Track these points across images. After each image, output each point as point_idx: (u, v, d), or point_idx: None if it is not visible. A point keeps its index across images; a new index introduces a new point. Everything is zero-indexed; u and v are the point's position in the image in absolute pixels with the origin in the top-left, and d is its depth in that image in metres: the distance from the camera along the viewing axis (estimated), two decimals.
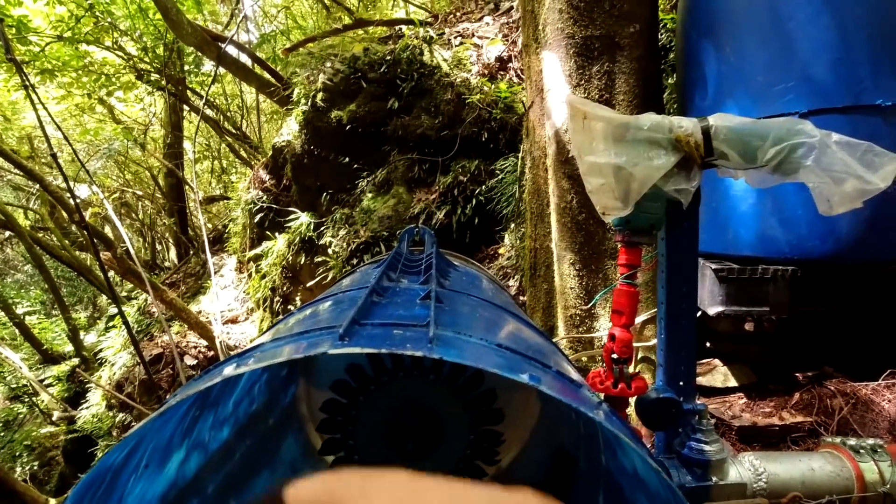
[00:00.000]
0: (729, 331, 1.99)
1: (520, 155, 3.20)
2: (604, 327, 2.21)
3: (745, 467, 1.09)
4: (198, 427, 0.84)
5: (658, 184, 1.02)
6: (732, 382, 2.07)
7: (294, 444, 1.19)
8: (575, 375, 0.76)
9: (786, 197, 1.67)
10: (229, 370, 0.45)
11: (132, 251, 3.40)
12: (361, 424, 1.09)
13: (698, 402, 1.16)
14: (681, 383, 1.18)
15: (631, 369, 1.21)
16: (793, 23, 1.60)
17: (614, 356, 1.10)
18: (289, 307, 4.58)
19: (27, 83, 1.94)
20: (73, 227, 9.50)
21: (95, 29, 5.43)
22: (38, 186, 9.23)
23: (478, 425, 1.08)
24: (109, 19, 5.41)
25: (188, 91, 7.00)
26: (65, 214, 9.32)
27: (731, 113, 1.14)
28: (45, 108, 2.20)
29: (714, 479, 1.06)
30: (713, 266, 1.85)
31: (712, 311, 1.89)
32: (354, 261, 3.74)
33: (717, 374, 2.10)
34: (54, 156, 1.97)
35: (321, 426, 1.10)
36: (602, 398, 0.66)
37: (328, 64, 4.24)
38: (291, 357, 0.45)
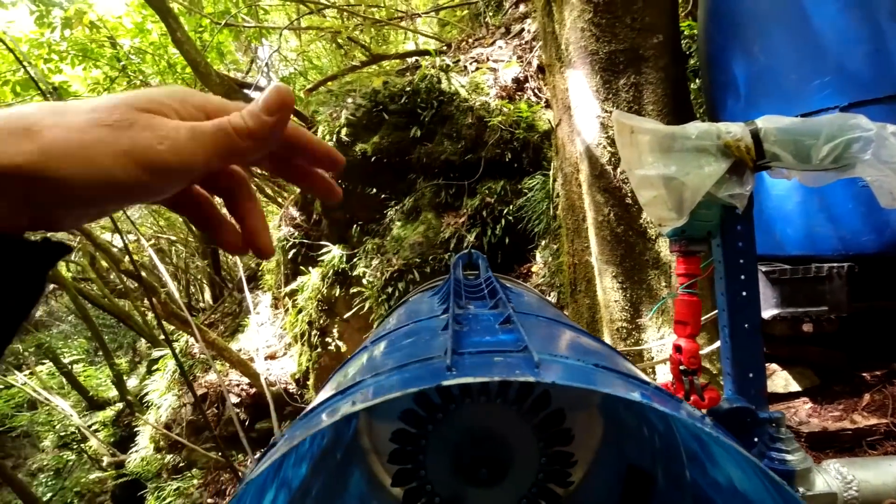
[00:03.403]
0: (786, 333, 1.93)
1: (549, 172, 3.22)
2: (652, 339, 2.17)
3: (831, 476, 1.05)
4: (283, 465, 0.86)
5: (711, 191, 1.02)
6: (795, 387, 2.00)
7: (360, 478, 1.20)
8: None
9: (834, 192, 1.64)
10: (346, 408, 0.47)
11: (176, 295, 3.51)
12: (431, 454, 1.09)
13: (772, 409, 1.13)
14: (752, 391, 1.15)
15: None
16: (822, 18, 1.59)
17: (682, 367, 1.08)
18: (326, 339, 4.63)
19: None
20: (112, 276, 9.87)
21: (129, 87, 5.75)
22: (78, 239, 9.66)
23: (548, 447, 1.07)
24: (141, 77, 5.72)
25: None
26: (104, 264, 9.70)
27: (766, 113, 1.13)
28: None
29: (801, 489, 1.02)
30: (763, 268, 1.81)
31: (766, 314, 1.84)
32: (389, 289, 3.77)
33: (778, 379, 2.03)
34: None
35: (392, 457, 1.10)
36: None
37: (349, 100, 4.37)
38: (405, 392, 0.47)
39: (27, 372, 9.32)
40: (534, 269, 3.63)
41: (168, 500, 5.31)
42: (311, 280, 4.60)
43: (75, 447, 8.77)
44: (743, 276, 1.13)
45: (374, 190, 4.27)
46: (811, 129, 1.01)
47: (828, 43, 1.62)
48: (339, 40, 6.34)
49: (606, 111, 2.00)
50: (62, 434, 9.07)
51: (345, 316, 4.30)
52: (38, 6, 4.85)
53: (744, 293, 1.14)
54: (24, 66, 1.95)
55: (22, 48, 4.88)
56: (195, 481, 5.34)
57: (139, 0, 5.11)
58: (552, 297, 3.32)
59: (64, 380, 9.57)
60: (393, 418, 1.07)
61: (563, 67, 2.18)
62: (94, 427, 8.42)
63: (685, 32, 2.85)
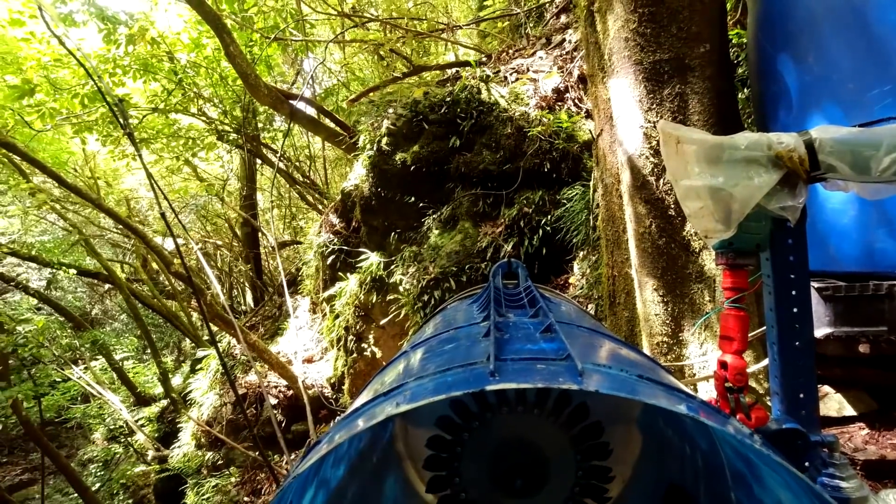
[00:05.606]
0: (839, 354, 1.83)
1: (589, 183, 3.18)
2: (694, 354, 2.10)
3: None
4: (323, 465, 0.89)
5: (761, 203, 0.99)
6: (849, 411, 1.89)
7: (394, 483, 1.20)
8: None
9: (895, 205, 1.55)
10: (390, 409, 0.49)
11: (222, 298, 3.65)
12: (467, 461, 1.09)
13: (825, 433, 1.07)
14: (802, 412, 1.10)
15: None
16: (883, 24, 1.52)
17: (728, 384, 1.04)
18: (362, 345, 4.70)
19: (139, 153, 2.20)
20: (162, 278, 10.36)
21: (183, 99, 6.08)
22: (132, 242, 10.20)
23: (585, 460, 1.05)
24: (195, 90, 6.03)
25: (261, 146, 7.60)
26: (154, 266, 10.21)
27: (821, 122, 1.09)
28: (148, 172, 2.45)
29: None
30: (816, 284, 1.73)
31: (819, 332, 1.75)
32: (425, 297, 3.80)
33: (831, 402, 1.92)
34: (163, 215, 2.18)
35: (427, 463, 1.11)
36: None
37: (390, 110, 4.47)
38: (449, 395, 0.48)
39: (82, 367, 9.85)
40: (571, 280, 3.58)
41: (207, 496, 5.48)
42: (349, 286, 4.69)
43: (122, 441, 9.18)
44: (794, 292, 1.09)
45: (413, 198, 4.32)
46: (871, 140, 0.96)
47: (889, 50, 1.55)
48: (382, 52, 6.49)
49: (650, 121, 1.97)
50: (111, 427, 9.51)
51: (381, 322, 4.36)
52: (106, 24, 5.21)
53: (794, 309, 1.09)
54: (94, 81, 2.10)
55: (90, 63, 5.25)
56: (233, 479, 5.50)
57: (196, 17, 5.42)
58: (590, 310, 3.26)
59: (115, 375, 10.07)
60: (429, 425, 1.08)
61: (606, 77, 2.17)
62: (140, 422, 8.81)
63: (734, 41, 2.78)
